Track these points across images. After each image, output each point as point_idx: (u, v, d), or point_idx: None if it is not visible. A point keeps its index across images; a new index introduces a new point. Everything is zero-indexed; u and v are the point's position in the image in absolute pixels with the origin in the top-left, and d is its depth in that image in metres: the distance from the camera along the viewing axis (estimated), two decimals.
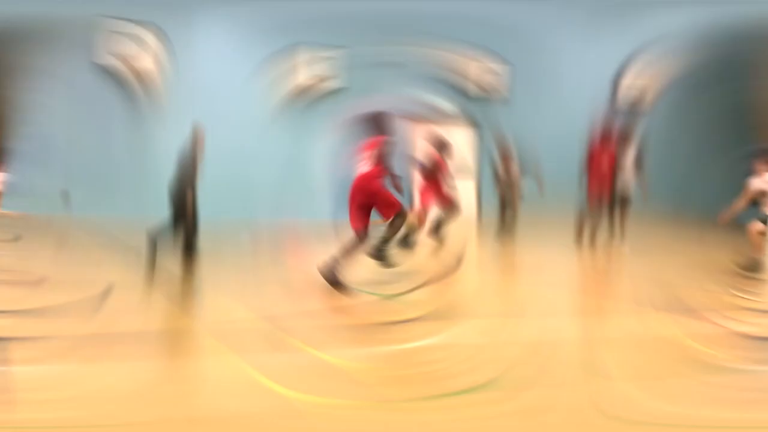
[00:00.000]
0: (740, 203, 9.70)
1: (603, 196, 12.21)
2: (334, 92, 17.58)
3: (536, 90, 19.77)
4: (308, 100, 17.65)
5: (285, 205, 17.56)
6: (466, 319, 6.76)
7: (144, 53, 15.91)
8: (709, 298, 7.74)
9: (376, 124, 8.38)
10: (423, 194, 11.81)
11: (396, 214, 7.94)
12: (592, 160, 12.32)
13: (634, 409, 4.26)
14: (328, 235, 11.69)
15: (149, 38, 15.94)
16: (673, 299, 7.57)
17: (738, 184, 9.53)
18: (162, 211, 9.38)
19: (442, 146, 11.84)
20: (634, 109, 20.82)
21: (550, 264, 10.80)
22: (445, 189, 11.63)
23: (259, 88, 17.13)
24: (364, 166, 8.04)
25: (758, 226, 9.38)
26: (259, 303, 7.18)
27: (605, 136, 12.37)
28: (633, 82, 20.92)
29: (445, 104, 18.99)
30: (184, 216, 9.34)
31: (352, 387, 4.57)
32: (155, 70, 16.00)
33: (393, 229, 8.07)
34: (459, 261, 10.65)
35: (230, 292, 7.75)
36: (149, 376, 4.76)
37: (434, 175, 11.59)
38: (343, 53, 17.56)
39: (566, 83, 20.21)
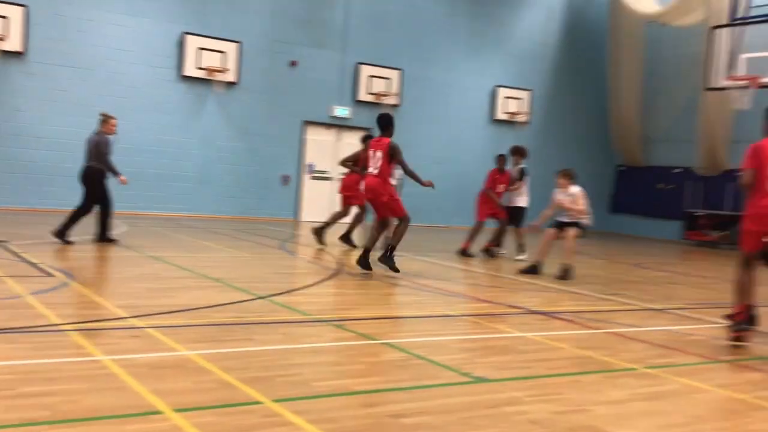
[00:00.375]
0: (547, 212, 10.81)
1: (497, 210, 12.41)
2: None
3: (424, 96, 19.78)
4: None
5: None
6: (337, 323, 6.28)
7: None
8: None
9: (384, 123, 9.40)
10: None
11: (401, 220, 9.18)
12: (489, 178, 12.60)
13: None
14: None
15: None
16: None
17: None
18: None
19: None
20: (512, 120, 21.20)
21: (432, 270, 10.54)
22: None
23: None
24: (374, 167, 9.00)
25: (552, 231, 10.55)
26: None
27: (500, 158, 12.75)
28: (510, 95, 21.28)
29: (339, 109, 18.64)
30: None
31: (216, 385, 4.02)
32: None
33: (397, 236, 9.19)
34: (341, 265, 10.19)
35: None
36: None
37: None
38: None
39: (452, 91, 20.36)
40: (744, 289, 6.27)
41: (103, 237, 10.60)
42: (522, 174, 12.61)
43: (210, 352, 4.86)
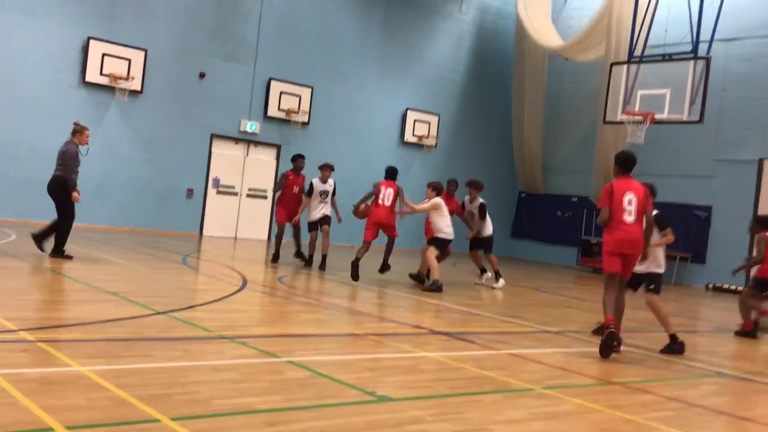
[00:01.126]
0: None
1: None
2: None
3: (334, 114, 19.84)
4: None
5: None
6: (241, 341, 6.17)
7: None
8: None
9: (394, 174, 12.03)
10: None
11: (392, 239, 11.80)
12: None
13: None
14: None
15: None
16: None
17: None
18: None
19: None
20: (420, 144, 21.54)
21: (338, 289, 10.50)
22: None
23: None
24: (387, 199, 11.54)
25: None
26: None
27: (450, 184, 13.04)
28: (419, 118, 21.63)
29: (249, 123, 18.41)
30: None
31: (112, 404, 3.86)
32: None
33: (389, 249, 11.81)
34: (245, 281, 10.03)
35: None
36: None
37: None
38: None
39: (362, 111, 20.52)
40: (608, 304, 7.16)
41: (59, 252, 10.13)
42: (483, 211, 12.81)
43: (105, 368, 4.67)
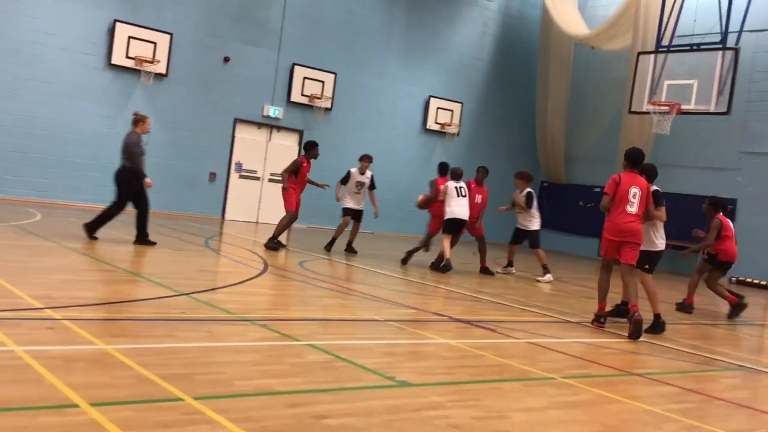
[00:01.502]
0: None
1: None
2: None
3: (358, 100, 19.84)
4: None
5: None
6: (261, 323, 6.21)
7: None
8: None
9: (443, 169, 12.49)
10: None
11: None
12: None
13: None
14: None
15: None
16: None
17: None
18: None
19: None
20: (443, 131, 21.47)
21: (359, 275, 10.52)
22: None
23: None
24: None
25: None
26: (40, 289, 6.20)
27: (480, 170, 13.13)
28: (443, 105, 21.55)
29: (272, 108, 18.46)
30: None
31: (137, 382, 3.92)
32: None
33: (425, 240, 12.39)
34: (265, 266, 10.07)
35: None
36: None
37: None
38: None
39: (385, 98, 20.48)
40: (603, 289, 8.17)
41: (142, 239, 10.36)
42: (530, 200, 12.86)
43: (129, 347, 4.73)
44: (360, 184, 12.83)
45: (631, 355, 6.77)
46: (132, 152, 10.25)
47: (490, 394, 4.71)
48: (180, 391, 3.90)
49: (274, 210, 18.96)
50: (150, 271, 8.15)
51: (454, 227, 11.92)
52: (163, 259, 9.81)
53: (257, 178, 18.65)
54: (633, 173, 7.98)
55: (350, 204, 12.89)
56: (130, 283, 7.27)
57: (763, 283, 17.69)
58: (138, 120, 10.52)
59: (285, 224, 12.18)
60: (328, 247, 12.80)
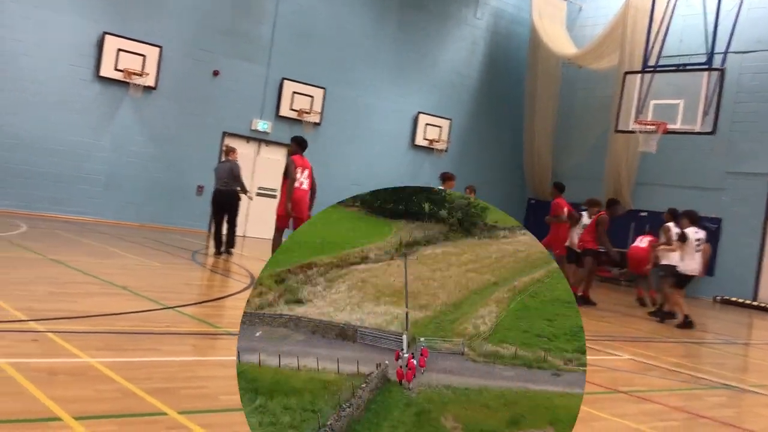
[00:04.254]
0: None
1: None
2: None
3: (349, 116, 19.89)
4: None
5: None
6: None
7: None
8: None
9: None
10: None
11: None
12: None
13: None
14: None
15: None
16: None
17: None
18: None
19: None
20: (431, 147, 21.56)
21: None
22: None
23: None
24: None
25: None
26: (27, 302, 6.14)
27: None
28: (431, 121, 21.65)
29: (260, 122, 18.47)
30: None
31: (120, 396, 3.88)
32: None
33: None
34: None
35: None
36: None
37: None
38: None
39: (374, 114, 20.55)
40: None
41: (228, 250, 12.69)
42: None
43: (113, 361, 4.70)
44: None
45: (617, 372, 6.79)
46: (236, 175, 12.74)
47: None
48: (164, 405, 3.87)
49: (262, 224, 18.93)
50: (136, 284, 8.10)
51: None
52: (149, 272, 9.76)
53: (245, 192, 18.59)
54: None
55: None
56: (115, 296, 7.22)
57: (748, 302, 17.80)
58: (230, 150, 13.32)
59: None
60: None
